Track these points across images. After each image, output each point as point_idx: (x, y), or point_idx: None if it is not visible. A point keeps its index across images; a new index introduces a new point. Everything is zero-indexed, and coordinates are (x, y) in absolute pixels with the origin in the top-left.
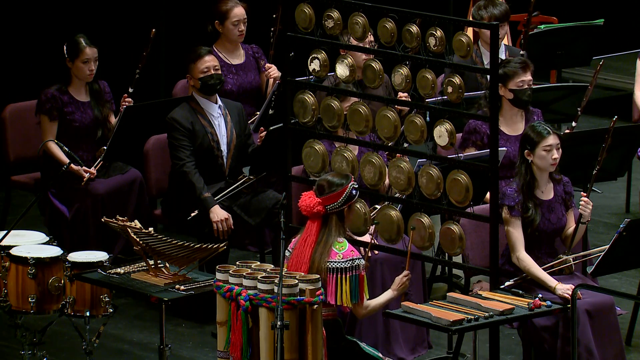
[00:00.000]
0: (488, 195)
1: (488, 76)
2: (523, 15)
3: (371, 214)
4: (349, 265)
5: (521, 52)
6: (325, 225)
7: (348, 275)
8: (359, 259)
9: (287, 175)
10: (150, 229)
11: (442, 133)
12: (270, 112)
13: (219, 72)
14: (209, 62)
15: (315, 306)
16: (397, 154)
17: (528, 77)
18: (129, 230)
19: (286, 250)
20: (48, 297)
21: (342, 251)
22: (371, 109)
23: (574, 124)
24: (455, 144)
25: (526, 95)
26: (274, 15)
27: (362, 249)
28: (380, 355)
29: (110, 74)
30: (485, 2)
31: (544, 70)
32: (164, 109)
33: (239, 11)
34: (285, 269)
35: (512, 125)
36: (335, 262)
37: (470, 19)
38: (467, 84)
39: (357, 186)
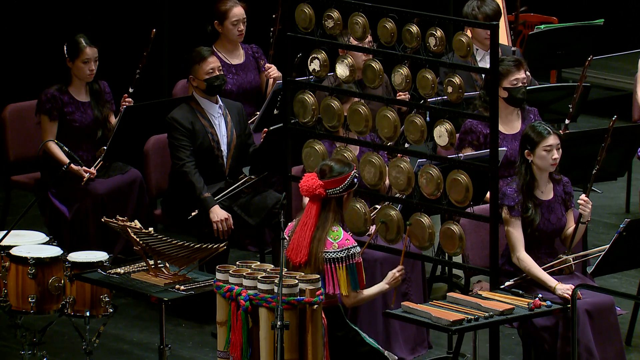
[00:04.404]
0: (488, 195)
1: (483, 74)
2: (522, 15)
3: (371, 214)
4: (344, 254)
5: (512, 49)
6: (324, 209)
7: (344, 265)
8: (354, 247)
9: (287, 175)
10: (150, 229)
11: (442, 133)
12: (275, 112)
13: (222, 72)
14: (212, 63)
15: (315, 306)
16: (398, 154)
17: (522, 75)
18: (129, 230)
19: (282, 239)
20: (48, 297)
21: (337, 240)
22: (371, 109)
23: (567, 121)
24: (455, 144)
25: (520, 93)
26: (274, 15)
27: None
28: (380, 347)
29: (110, 74)
30: (477, 1)
31: (544, 70)
32: (164, 109)
33: (238, 11)
34: (285, 255)
35: (508, 124)
36: (331, 252)
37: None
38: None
39: (358, 175)
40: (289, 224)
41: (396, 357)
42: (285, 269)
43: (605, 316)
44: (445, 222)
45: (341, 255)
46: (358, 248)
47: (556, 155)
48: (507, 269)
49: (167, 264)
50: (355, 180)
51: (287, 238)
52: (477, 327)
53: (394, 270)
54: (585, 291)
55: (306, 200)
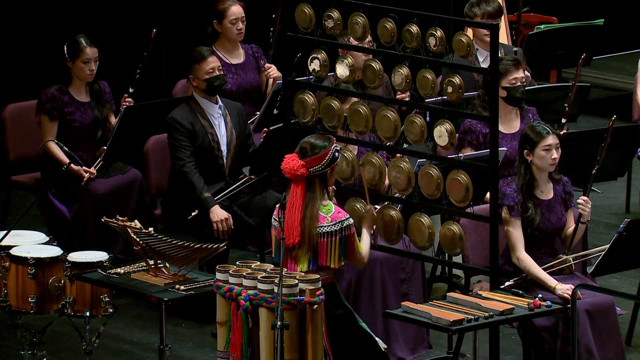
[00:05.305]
0: (488, 195)
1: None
2: (523, 15)
3: None
4: (338, 227)
5: (514, 49)
6: (309, 188)
7: (338, 237)
8: (347, 219)
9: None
10: (150, 229)
11: (442, 133)
12: (275, 112)
13: (222, 72)
14: (213, 62)
15: (315, 306)
16: (397, 154)
17: (520, 74)
18: (129, 230)
19: (273, 220)
20: (48, 297)
21: (329, 214)
22: (371, 109)
23: (563, 120)
24: (455, 144)
25: (519, 92)
26: (274, 15)
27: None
28: (372, 333)
29: (110, 74)
30: None
31: (544, 70)
32: (164, 109)
33: (236, 9)
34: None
35: (507, 123)
36: (325, 226)
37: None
38: (464, 84)
39: (339, 148)
40: (276, 207)
41: (386, 346)
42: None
43: (605, 316)
44: (445, 222)
45: (335, 228)
46: (351, 220)
47: (555, 155)
48: (507, 269)
49: (167, 264)
50: (337, 154)
51: (277, 220)
52: (477, 327)
53: (365, 211)
54: (585, 291)
55: None
